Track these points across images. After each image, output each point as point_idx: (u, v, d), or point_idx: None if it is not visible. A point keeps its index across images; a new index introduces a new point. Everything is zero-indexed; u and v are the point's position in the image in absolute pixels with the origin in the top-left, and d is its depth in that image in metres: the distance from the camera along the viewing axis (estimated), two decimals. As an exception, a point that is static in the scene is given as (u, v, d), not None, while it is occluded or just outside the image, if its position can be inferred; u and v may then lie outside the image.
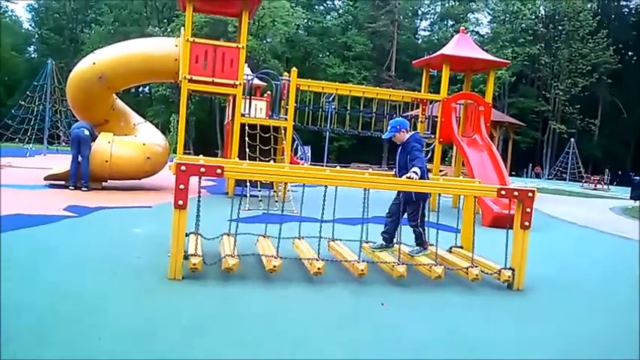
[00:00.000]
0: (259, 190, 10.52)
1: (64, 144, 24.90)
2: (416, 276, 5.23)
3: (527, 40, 47.75)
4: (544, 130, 50.57)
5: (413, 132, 5.94)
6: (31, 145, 23.61)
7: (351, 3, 54.80)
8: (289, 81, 11.80)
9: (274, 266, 4.74)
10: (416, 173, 5.21)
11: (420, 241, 5.77)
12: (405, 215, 5.75)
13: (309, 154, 27.75)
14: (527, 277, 5.22)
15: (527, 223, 5.15)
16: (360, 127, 13.43)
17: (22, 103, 25.29)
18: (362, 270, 4.84)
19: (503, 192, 5.14)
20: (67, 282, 4.36)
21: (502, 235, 5.27)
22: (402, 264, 5.04)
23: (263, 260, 4.93)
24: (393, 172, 6.02)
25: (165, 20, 46.10)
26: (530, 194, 5.15)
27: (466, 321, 4.15)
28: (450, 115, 12.33)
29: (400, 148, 5.79)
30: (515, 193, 5.15)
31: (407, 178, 5.19)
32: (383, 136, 6.64)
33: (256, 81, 14.57)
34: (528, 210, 5.14)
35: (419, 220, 5.71)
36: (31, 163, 17.31)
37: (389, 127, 5.91)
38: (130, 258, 5.27)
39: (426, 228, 5.78)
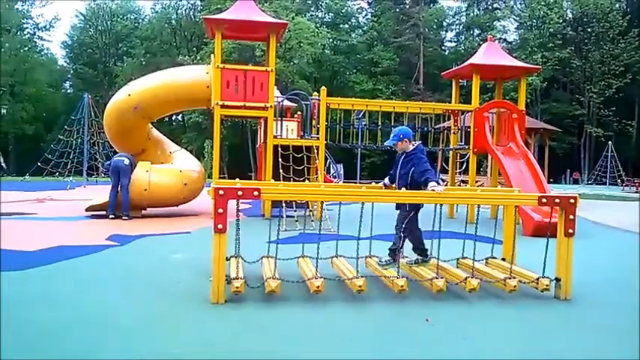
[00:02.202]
0: (295, 211, 10.57)
1: (102, 175, 25.45)
2: (450, 290, 5.16)
3: (557, 45, 47.04)
4: (580, 135, 49.51)
5: (417, 142, 5.90)
6: (71, 177, 24.23)
7: (375, 19, 55.04)
8: (319, 100, 11.88)
9: (317, 287, 4.73)
10: (438, 184, 5.16)
11: (394, 253, 5.60)
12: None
13: (342, 172, 27.73)
14: (574, 286, 5.10)
15: (570, 231, 5.04)
16: (392, 142, 13.39)
17: (61, 137, 26.04)
18: (402, 286, 4.79)
19: (544, 200, 5.05)
20: (113, 309, 4.44)
21: (545, 245, 5.16)
22: (441, 278, 4.98)
23: (306, 282, 4.92)
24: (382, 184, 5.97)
25: (194, 49, 47.06)
26: (572, 200, 5.04)
27: (519, 335, 4.07)
28: (483, 125, 12.19)
29: (402, 157, 5.75)
30: (557, 200, 5.05)
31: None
32: (385, 142, 6.56)
33: (286, 102, 14.72)
34: (571, 217, 5.03)
35: (402, 231, 5.58)
36: (71, 195, 17.75)
37: (392, 135, 5.87)
38: (173, 284, 5.34)
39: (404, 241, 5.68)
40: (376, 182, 6.18)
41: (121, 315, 4.30)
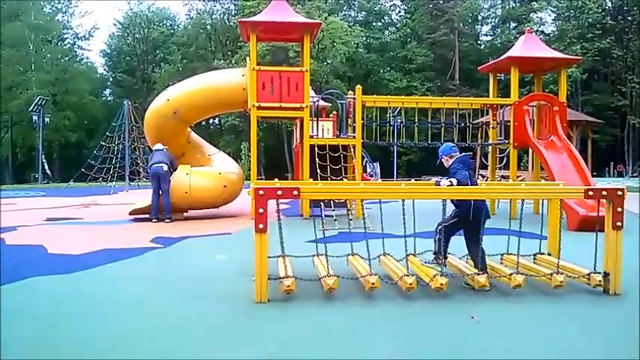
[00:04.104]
0: (334, 210, 10.57)
1: (144, 179, 25.93)
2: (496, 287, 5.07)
3: (596, 35, 45.64)
4: (623, 126, 48.02)
5: (459, 155, 5.71)
6: (113, 182, 24.76)
7: (408, 16, 54.57)
8: (354, 99, 11.86)
9: (372, 284, 4.71)
10: (451, 183, 5.11)
11: (438, 254, 5.53)
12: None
13: (379, 170, 27.57)
14: (623, 281, 4.96)
15: (619, 224, 4.90)
16: (429, 138, 13.23)
17: (103, 143, 26.64)
18: (441, 285, 4.73)
19: (590, 192, 4.93)
20: (159, 310, 4.52)
21: (592, 239, 5.03)
22: (483, 274, 4.91)
23: (360, 280, 4.92)
24: None
25: (229, 52, 47.56)
26: (619, 193, 4.91)
27: (571, 331, 3.98)
28: (523, 119, 11.97)
29: None
30: (604, 193, 4.92)
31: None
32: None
33: (321, 102, 14.73)
34: (619, 209, 4.89)
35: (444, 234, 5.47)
36: (115, 200, 18.15)
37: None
38: (217, 284, 5.41)
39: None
40: (416, 179, 6.12)
41: (167, 316, 4.37)
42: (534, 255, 5.83)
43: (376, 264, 5.48)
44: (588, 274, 4.96)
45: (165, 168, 11.08)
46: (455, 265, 5.57)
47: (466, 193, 5.10)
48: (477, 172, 19.81)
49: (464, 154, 5.90)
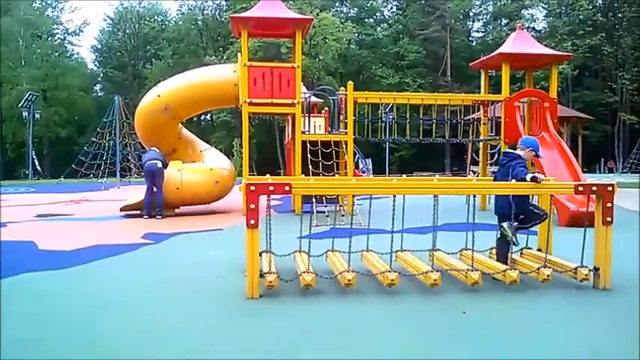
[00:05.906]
0: (325, 206, 10.58)
1: (135, 175, 25.84)
2: (489, 283, 5.10)
3: (587, 32, 45.91)
4: (614, 123, 48.33)
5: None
6: (104, 179, 24.66)
7: (400, 12, 54.59)
8: (346, 95, 11.86)
9: (349, 280, 4.72)
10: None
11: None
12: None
13: (370, 167, 27.62)
14: (613, 276, 4.99)
15: (609, 219, 4.93)
16: (421, 134, 13.25)
17: (94, 139, 26.55)
18: (435, 280, 4.74)
19: (580, 188, 4.96)
20: (151, 307, 4.51)
21: (582, 235, 5.06)
22: (476, 270, 4.92)
23: (337, 276, 4.92)
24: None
25: (220, 49, 47.38)
26: (609, 188, 4.94)
27: (560, 326, 4.01)
28: (513, 115, 12.01)
29: None
30: (594, 189, 4.95)
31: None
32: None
33: (313, 98, 14.72)
34: (609, 205, 4.92)
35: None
36: (106, 196, 18.09)
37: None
38: (208, 280, 5.40)
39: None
40: (408, 175, 6.13)
41: (158, 312, 4.36)
42: (521, 250, 5.86)
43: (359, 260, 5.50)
44: (575, 269, 4.99)
45: (160, 164, 11.08)
46: (445, 260, 5.59)
47: (457, 190, 5.12)
48: (468, 168, 19.89)
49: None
